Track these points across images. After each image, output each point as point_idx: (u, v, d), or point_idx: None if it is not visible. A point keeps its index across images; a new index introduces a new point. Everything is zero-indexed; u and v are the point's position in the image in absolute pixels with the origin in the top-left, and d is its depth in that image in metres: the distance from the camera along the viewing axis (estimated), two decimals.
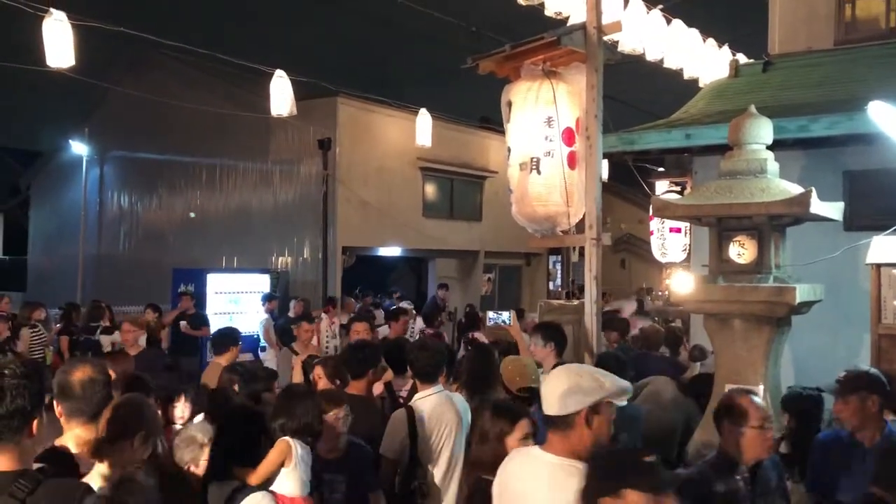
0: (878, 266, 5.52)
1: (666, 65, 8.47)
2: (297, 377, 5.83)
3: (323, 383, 4.67)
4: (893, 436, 3.51)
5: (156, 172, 18.36)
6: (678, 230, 10.59)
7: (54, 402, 2.93)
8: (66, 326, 10.37)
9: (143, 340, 8.13)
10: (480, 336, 9.01)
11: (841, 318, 6.16)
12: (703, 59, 8.98)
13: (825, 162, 6.79)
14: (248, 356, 11.72)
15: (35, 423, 2.14)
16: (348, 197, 15.41)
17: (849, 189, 6.71)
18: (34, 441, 2.20)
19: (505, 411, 3.34)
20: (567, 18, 7.03)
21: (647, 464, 2.27)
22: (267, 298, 12.19)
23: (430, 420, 4.15)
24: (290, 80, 9.01)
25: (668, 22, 8.34)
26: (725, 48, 9.41)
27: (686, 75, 8.93)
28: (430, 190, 17.70)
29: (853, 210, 6.08)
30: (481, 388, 4.60)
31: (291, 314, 11.29)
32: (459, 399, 4.43)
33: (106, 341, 9.25)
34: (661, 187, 10.95)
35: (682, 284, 6.60)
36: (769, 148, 5.03)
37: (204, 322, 11.13)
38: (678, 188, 10.69)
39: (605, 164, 8.15)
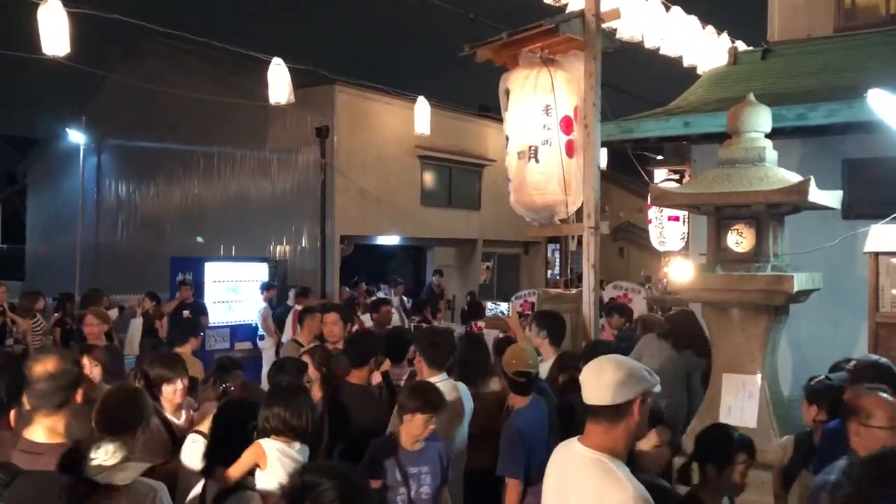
0: (877, 254, 5.54)
1: (664, 52, 8.41)
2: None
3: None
4: None
5: (153, 161, 18.30)
6: (676, 219, 10.58)
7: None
8: (62, 318, 10.37)
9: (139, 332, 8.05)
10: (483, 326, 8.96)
11: (839, 306, 6.17)
12: (701, 46, 8.93)
13: (824, 150, 6.77)
14: (246, 345, 11.75)
15: (13, 414, 2.09)
16: (346, 185, 15.36)
17: (848, 177, 6.70)
18: (13, 434, 2.16)
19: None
20: (565, 6, 7.00)
21: None
22: (265, 287, 12.18)
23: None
24: (288, 67, 8.95)
25: (667, 9, 8.29)
26: (724, 35, 9.35)
27: (685, 63, 8.87)
28: (429, 178, 17.64)
29: (852, 198, 6.08)
30: (474, 378, 4.61)
31: (290, 303, 11.27)
32: (463, 388, 4.45)
33: None
34: (660, 176, 10.94)
35: (680, 273, 6.61)
36: (768, 136, 5.03)
37: (202, 311, 11.12)
38: (677, 176, 10.69)
39: (603, 152, 8.14)
